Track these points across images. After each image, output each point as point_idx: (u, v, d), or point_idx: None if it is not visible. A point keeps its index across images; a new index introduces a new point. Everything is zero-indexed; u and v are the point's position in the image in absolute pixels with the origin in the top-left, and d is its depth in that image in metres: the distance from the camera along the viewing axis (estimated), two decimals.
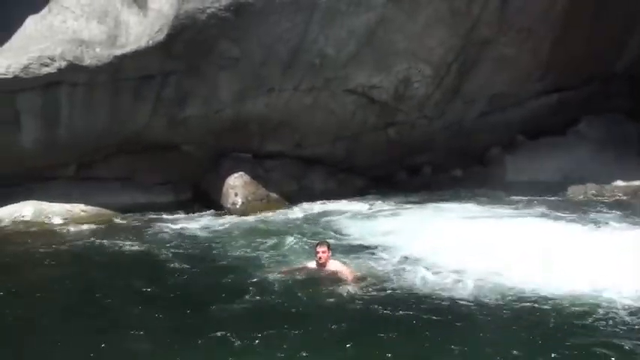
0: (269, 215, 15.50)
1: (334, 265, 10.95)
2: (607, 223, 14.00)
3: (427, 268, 11.05)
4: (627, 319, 9.08)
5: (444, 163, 18.50)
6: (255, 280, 10.75)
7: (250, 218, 15.24)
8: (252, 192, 16.26)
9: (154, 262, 12.04)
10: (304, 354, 8.17)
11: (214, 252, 12.65)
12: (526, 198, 16.35)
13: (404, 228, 13.77)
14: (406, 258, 11.72)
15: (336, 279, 10.63)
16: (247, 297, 9.98)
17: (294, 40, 15.29)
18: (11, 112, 14.17)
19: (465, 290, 10.16)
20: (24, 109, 14.22)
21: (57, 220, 14.76)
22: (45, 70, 13.84)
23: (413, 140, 17.83)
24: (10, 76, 13.69)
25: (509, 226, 13.72)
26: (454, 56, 16.93)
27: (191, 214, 15.56)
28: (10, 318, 9.52)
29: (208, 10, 14.29)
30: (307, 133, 16.99)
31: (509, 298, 9.86)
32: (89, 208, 15.29)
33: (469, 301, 9.76)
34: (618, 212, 14.94)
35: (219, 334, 8.70)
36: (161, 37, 14.26)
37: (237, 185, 16.20)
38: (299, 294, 10.11)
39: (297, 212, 15.73)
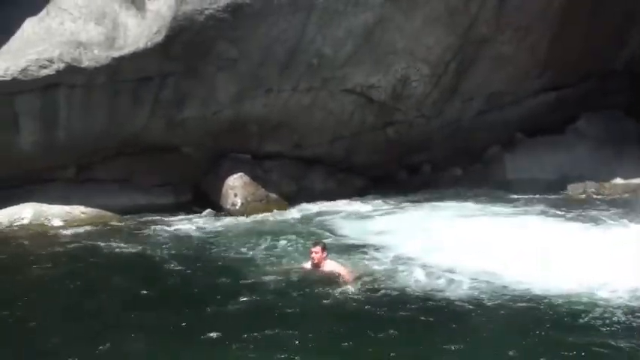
0: (266, 216, 15.51)
1: (330, 265, 10.98)
2: (606, 221, 14.04)
3: (423, 268, 11.08)
4: (624, 318, 9.08)
5: (444, 162, 18.48)
6: (250, 281, 10.78)
7: (248, 219, 15.24)
8: (252, 193, 16.26)
9: (151, 263, 12.06)
10: (300, 354, 8.17)
11: (211, 253, 12.67)
12: (525, 196, 16.38)
13: (402, 227, 13.80)
14: (403, 257, 11.74)
15: (331, 279, 10.65)
16: (243, 298, 9.99)
17: (292, 40, 15.30)
18: (10, 115, 14.18)
19: (460, 289, 10.18)
20: (22, 111, 14.23)
21: (56, 222, 14.73)
22: (43, 72, 13.85)
23: (411, 139, 17.83)
24: (8, 78, 13.70)
25: (507, 224, 13.76)
26: (452, 55, 16.94)
27: (190, 216, 15.55)
28: (7, 319, 9.53)
29: (206, 12, 14.30)
30: (306, 134, 17.00)
31: (506, 297, 9.88)
32: (89, 210, 15.26)
33: (465, 301, 9.77)
34: (617, 210, 14.96)
35: (214, 334, 8.71)
36: (159, 38, 14.27)
37: (236, 186, 16.21)
38: (294, 295, 10.13)
39: (295, 213, 15.73)
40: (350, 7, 15.30)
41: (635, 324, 8.92)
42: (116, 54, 14.24)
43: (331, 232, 13.98)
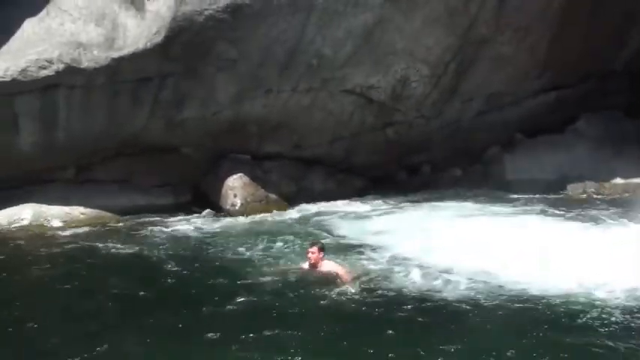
0: (266, 216, 15.51)
1: (327, 265, 11.00)
2: (605, 221, 14.04)
3: (421, 268, 11.08)
4: (622, 318, 9.06)
5: (443, 162, 18.49)
6: (248, 281, 10.78)
7: (247, 220, 15.25)
8: (252, 193, 16.27)
9: (149, 264, 12.06)
10: (297, 355, 8.17)
11: (209, 254, 12.68)
12: (525, 196, 16.40)
13: (401, 227, 13.81)
14: (401, 258, 11.75)
15: (328, 279, 10.66)
16: (240, 298, 9.99)
17: (292, 41, 15.31)
18: (9, 115, 14.19)
19: (458, 289, 10.17)
20: (22, 112, 14.24)
21: (56, 223, 14.74)
22: (43, 73, 13.86)
23: (411, 140, 17.83)
24: (8, 79, 13.72)
25: (506, 224, 13.77)
26: (452, 55, 16.94)
27: (189, 216, 15.55)
28: (6, 319, 9.52)
29: (206, 12, 14.31)
30: (306, 134, 17.00)
31: (504, 297, 9.87)
32: (88, 210, 15.27)
33: (462, 301, 9.77)
34: (617, 209, 14.97)
35: (212, 335, 8.73)
36: (159, 39, 14.28)
37: (236, 186, 16.22)
38: (291, 295, 10.13)
39: (294, 213, 15.74)
40: (349, 8, 15.30)
41: (633, 324, 8.91)
42: (116, 54, 14.25)
43: (330, 232, 13.98)
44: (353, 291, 10.21)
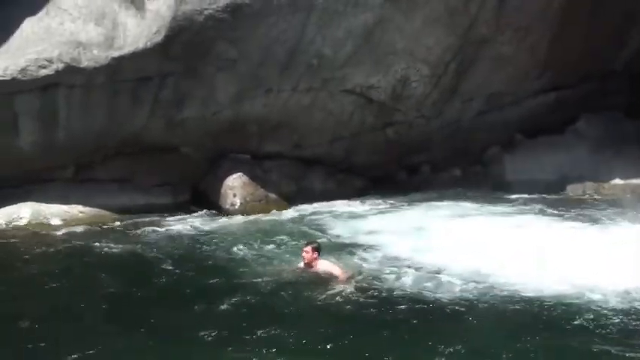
0: (265, 216, 15.49)
1: (323, 265, 11.03)
2: (605, 221, 14.05)
3: (418, 268, 11.10)
4: (617, 320, 9.04)
5: (443, 162, 18.48)
6: (242, 281, 10.80)
7: (245, 219, 15.23)
8: (251, 193, 16.27)
9: (146, 263, 12.06)
10: (291, 354, 8.20)
11: (206, 253, 12.68)
12: (524, 197, 16.41)
13: (399, 228, 13.81)
14: (397, 258, 11.77)
15: (323, 279, 10.69)
16: (234, 298, 9.99)
17: (292, 40, 15.31)
18: (9, 115, 14.18)
19: (454, 290, 10.17)
20: (22, 111, 14.23)
21: (55, 222, 14.72)
22: (42, 72, 13.85)
23: (411, 140, 17.83)
24: (7, 78, 13.71)
25: (505, 224, 13.77)
26: (452, 55, 16.94)
27: (188, 216, 15.53)
28: (1, 318, 9.55)
29: (206, 12, 14.31)
30: (306, 134, 17.00)
31: (499, 297, 9.88)
32: (87, 209, 15.26)
33: (457, 301, 9.78)
34: (616, 210, 14.98)
35: (206, 334, 8.76)
36: (159, 38, 14.28)
37: (235, 186, 16.22)
38: (285, 295, 10.15)
39: (293, 213, 15.71)
40: (350, 8, 15.30)
41: (630, 326, 8.89)
42: (115, 54, 14.24)
43: (328, 232, 13.98)
44: (348, 291, 10.21)
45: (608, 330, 8.80)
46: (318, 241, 12.03)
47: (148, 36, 14.30)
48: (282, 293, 10.20)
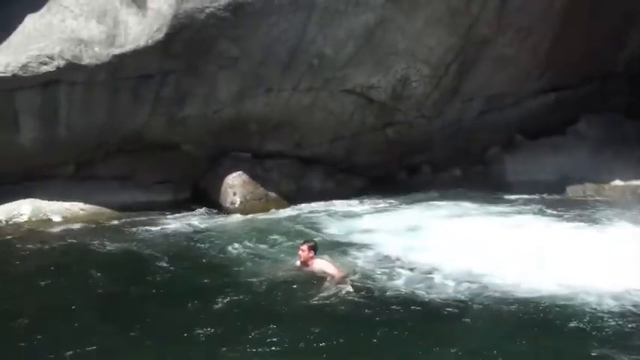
0: (264, 215, 15.47)
1: (319, 263, 11.06)
2: (604, 222, 14.04)
3: (415, 268, 11.08)
4: (614, 322, 9.02)
5: (444, 162, 18.46)
6: (238, 279, 10.82)
7: (244, 218, 15.23)
8: (251, 191, 16.27)
9: (140, 260, 12.06)
10: (286, 353, 8.21)
11: (204, 251, 12.67)
12: (524, 197, 16.38)
13: (398, 227, 13.78)
14: (394, 257, 11.76)
15: (319, 277, 10.71)
16: (229, 296, 10.01)
17: (293, 40, 15.32)
18: (10, 111, 14.20)
19: (451, 290, 10.16)
20: (22, 108, 14.25)
21: (55, 219, 14.73)
22: (44, 69, 13.87)
23: (412, 140, 17.81)
24: (8, 74, 13.73)
25: (504, 224, 13.77)
26: (453, 56, 16.92)
27: (187, 214, 15.53)
28: None
29: (207, 10, 14.33)
30: (307, 133, 16.99)
31: (496, 297, 9.87)
32: (88, 206, 15.27)
33: (452, 301, 9.78)
34: (616, 211, 14.97)
35: (201, 333, 8.78)
36: (160, 36, 14.30)
37: (235, 184, 16.22)
38: (280, 293, 10.17)
39: (292, 212, 15.69)
40: (351, 8, 15.31)
41: (627, 328, 8.87)
42: (117, 51, 14.26)
43: (325, 231, 13.94)
44: (343, 290, 10.21)
45: (605, 331, 8.77)
46: (315, 239, 12.03)
47: (149, 34, 14.33)
48: (278, 292, 10.22)
